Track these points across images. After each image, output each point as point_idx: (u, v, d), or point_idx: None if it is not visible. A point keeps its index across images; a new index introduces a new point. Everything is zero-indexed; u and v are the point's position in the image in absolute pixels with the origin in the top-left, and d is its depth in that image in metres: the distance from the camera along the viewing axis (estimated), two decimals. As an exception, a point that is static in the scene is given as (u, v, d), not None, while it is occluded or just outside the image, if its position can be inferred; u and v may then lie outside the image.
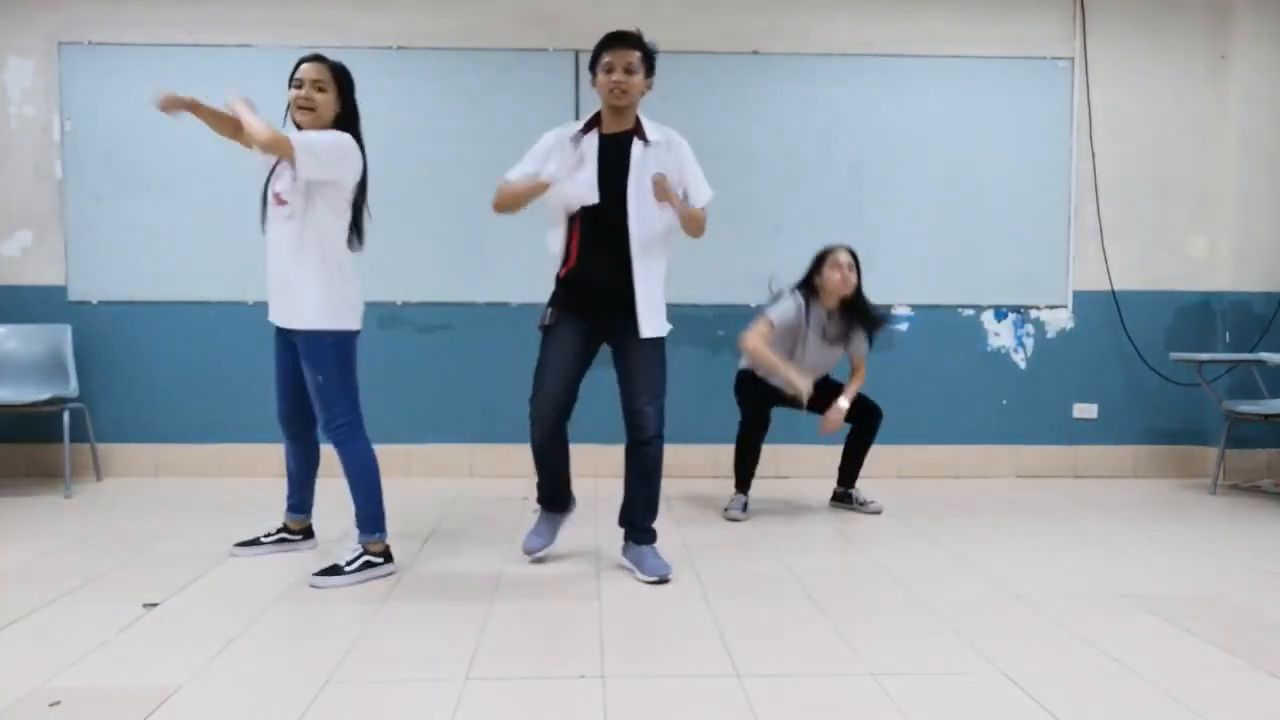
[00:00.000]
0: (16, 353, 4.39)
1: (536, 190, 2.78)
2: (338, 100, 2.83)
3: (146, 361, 4.55)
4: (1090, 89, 4.70)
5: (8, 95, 4.49)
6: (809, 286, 3.77)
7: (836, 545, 3.35)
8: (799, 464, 4.50)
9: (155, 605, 2.58)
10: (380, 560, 2.90)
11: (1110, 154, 4.72)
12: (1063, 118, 4.71)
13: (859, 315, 3.79)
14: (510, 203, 2.84)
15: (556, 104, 4.45)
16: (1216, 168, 4.73)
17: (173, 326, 4.54)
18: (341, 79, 2.85)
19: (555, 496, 3.05)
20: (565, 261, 2.90)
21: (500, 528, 3.53)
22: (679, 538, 3.39)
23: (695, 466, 4.57)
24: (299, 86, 2.78)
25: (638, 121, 2.86)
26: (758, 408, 3.77)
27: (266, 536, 3.16)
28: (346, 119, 2.85)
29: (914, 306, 4.72)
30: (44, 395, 4.11)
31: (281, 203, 2.80)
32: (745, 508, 3.78)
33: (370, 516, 2.88)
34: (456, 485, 4.42)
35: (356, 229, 2.89)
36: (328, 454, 2.99)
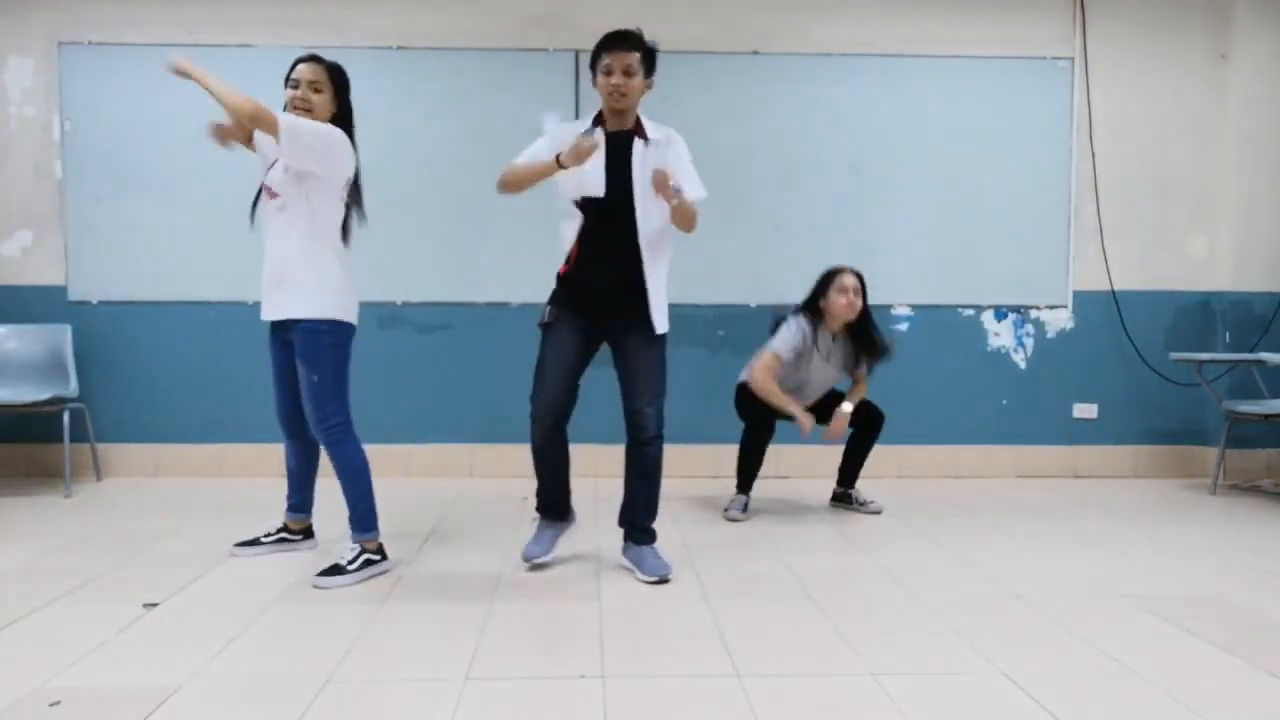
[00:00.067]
0: (16, 353, 4.39)
1: (547, 171, 2.75)
2: (334, 101, 2.84)
3: (146, 361, 4.55)
4: (1090, 89, 4.70)
5: (8, 95, 4.49)
6: (814, 309, 3.75)
7: (836, 545, 3.35)
8: (799, 464, 4.50)
9: (155, 605, 2.57)
10: (378, 558, 2.91)
11: (1110, 154, 4.72)
12: (1063, 118, 4.72)
13: (865, 341, 3.77)
14: (518, 182, 2.81)
15: (556, 104, 4.44)
16: (1216, 168, 4.73)
17: (173, 326, 4.54)
18: (337, 79, 2.86)
19: (555, 502, 3.01)
20: (567, 260, 2.90)
21: (500, 528, 3.53)
22: (679, 538, 3.39)
23: (695, 466, 4.57)
24: (295, 87, 2.79)
25: (638, 121, 2.87)
26: (758, 418, 3.77)
27: (266, 536, 3.17)
28: (342, 120, 2.86)
29: (914, 306, 4.72)
30: (44, 395, 4.11)
31: (273, 195, 2.81)
32: (746, 508, 3.78)
33: (365, 515, 2.89)
34: (456, 485, 4.42)
35: (343, 227, 2.89)
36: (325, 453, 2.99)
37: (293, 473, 3.14)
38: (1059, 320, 4.77)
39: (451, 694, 1.99)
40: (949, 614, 2.55)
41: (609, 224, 2.82)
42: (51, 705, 1.92)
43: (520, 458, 4.40)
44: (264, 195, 2.86)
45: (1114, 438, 4.80)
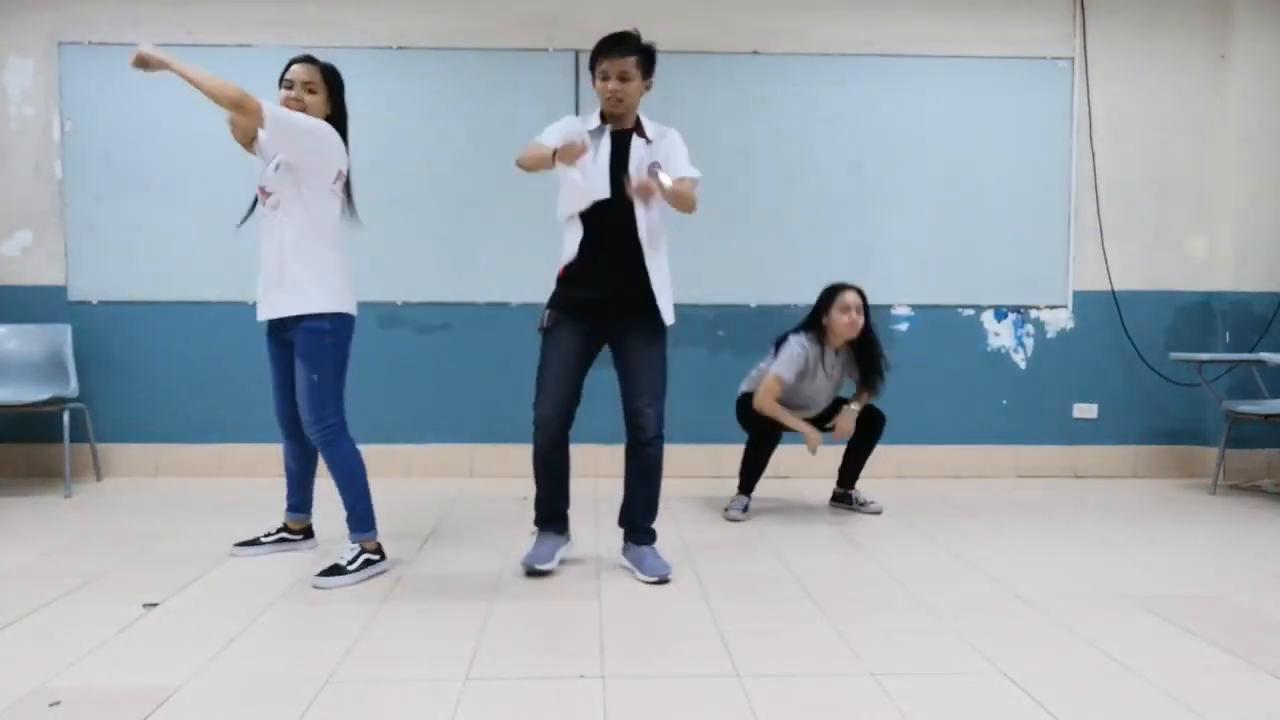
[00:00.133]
0: (16, 353, 4.39)
1: (546, 161, 2.73)
2: (328, 101, 2.85)
3: (146, 361, 4.55)
4: (1090, 89, 4.70)
5: (8, 95, 4.49)
6: (815, 326, 3.74)
7: (837, 545, 3.35)
8: (799, 464, 4.50)
9: (155, 605, 2.57)
10: (378, 558, 2.91)
11: (1110, 154, 4.73)
12: (1063, 118, 4.72)
13: (866, 358, 3.77)
14: (525, 165, 2.80)
15: (556, 104, 4.44)
16: (1216, 168, 4.73)
17: (173, 326, 4.54)
18: (332, 80, 2.86)
19: (554, 514, 2.97)
20: (568, 265, 2.89)
21: (500, 528, 3.53)
22: (679, 538, 3.39)
23: (695, 466, 4.57)
24: (289, 87, 2.80)
25: (638, 121, 2.88)
26: (763, 430, 3.76)
27: (266, 536, 3.17)
28: (336, 120, 2.87)
29: (914, 306, 4.72)
30: (44, 395, 4.11)
31: (266, 194, 2.81)
32: (746, 509, 3.78)
33: (363, 515, 2.89)
34: (456, 485, 4.42)
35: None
36: None
37: (292, 473, 3.14)
38: (1059, 320, 4.77)
39: (451, 694, 1.99)
40: (949, 614, 2.55)
41: (609, 224, 2.82)
42: (51, 705, 1.92)
43: (520, 458, 4.40)
44: (259, 196, 2.86)
45: (1114, 438, 4.80)
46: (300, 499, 3.18)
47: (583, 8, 4.53)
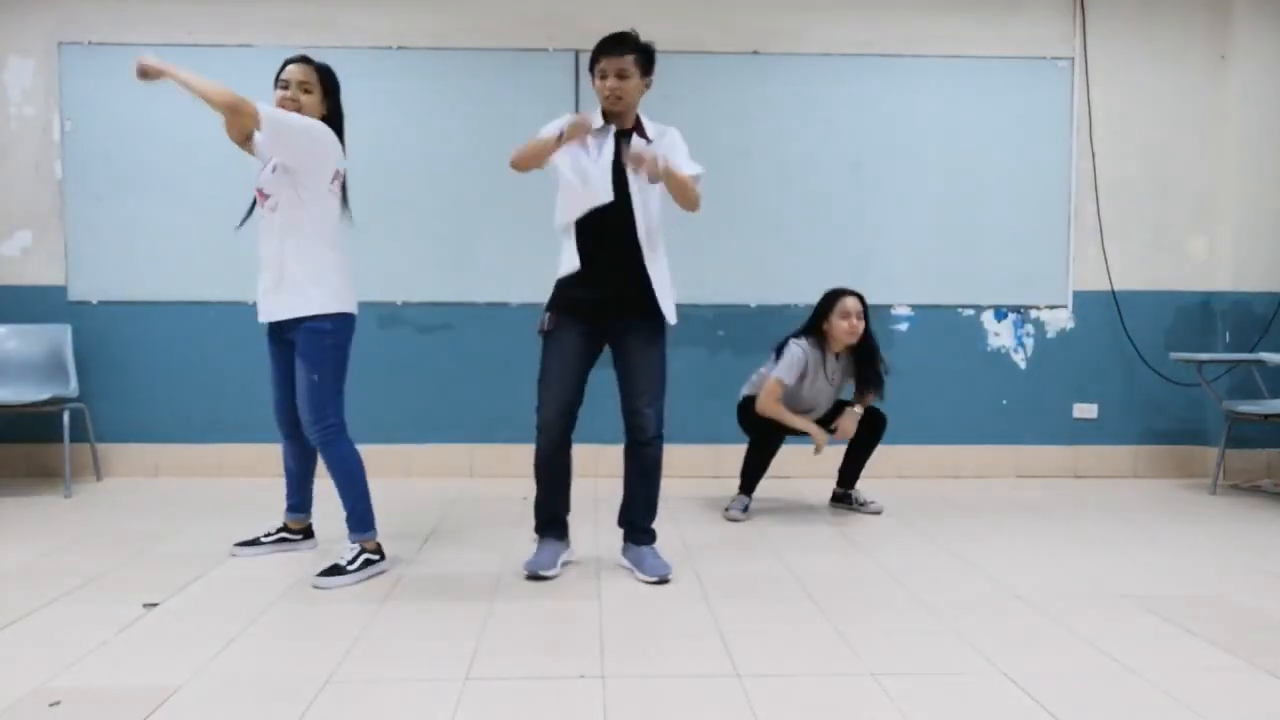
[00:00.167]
0: (16, 353, 4.39)
1: (549, 148, 2.72)
2: (324, 101, 2.85)
3: (146, 361, 4.55)
4: (1090, 89, 4.70)
5: (8, 95, 4.49)
6: (815, 331, 3.74)
7: (837, 545, 3.35)
8: (799, 464, 4.49)
9: (155, 605, 2.57)
10: (377, 558, 2.91)
11: (1110, 154, 4.73)
12: (1063, 118, 4.72)
13: (865, 364, 3.76)
14: (523, 159, 2.76)
15: (556, 104, 4.44)
16: (1216, 168, 4.73)
17: (173, 326, 4.54)
18: (327, 80, 2.86)
19: (555, 519, 2.96)
20: (568, 271, 2.88)
21: (500, 528, 3.53)
22: (679, 538, 3.39)
23: (695, 466, 4.57)
24: (285, 87, 2.80)
25: (638, 120, 2.87)
26: (765, 434, 3.76)
27: (266, 536, 3.17)
28: (332, 120, 2.87)
29: (914, 306, 4.72)
30: (44, 395, 4.11)
31: (264, 196, 2.81)
32: (746, 509, 3.78)
33: (363, 515, 2.89)
34: (456, 485, 4.42)
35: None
36: None
37: (291, 473, 3.14)
38: (1059, 320, 4.77)
39: (451, 694, 1.99)
40: (949, 614, 2.55)
41: (608, 225, 2.81)
42: (51, 705, 1.92)
43: (520, 458, 4.39)
44: (257, 200, 2.86)
45: (1114, 438, 4.80)
46: (300, 499, 3.17)
47: (583, 8, 4.53)
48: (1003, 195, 4.70)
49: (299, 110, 2.78)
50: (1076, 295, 4.76)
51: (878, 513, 3.86)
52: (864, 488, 3.96)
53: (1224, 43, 4.70)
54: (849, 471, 3.96)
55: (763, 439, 3.77)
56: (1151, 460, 4.82)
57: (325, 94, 2.85)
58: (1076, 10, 4.70)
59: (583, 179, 2.78)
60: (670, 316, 2.90)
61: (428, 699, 1.97)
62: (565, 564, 2.97)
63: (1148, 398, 4.78)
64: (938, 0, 4.65)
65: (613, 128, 2.84)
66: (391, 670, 2.13)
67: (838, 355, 3.77)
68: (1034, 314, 4.76)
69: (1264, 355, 4.17)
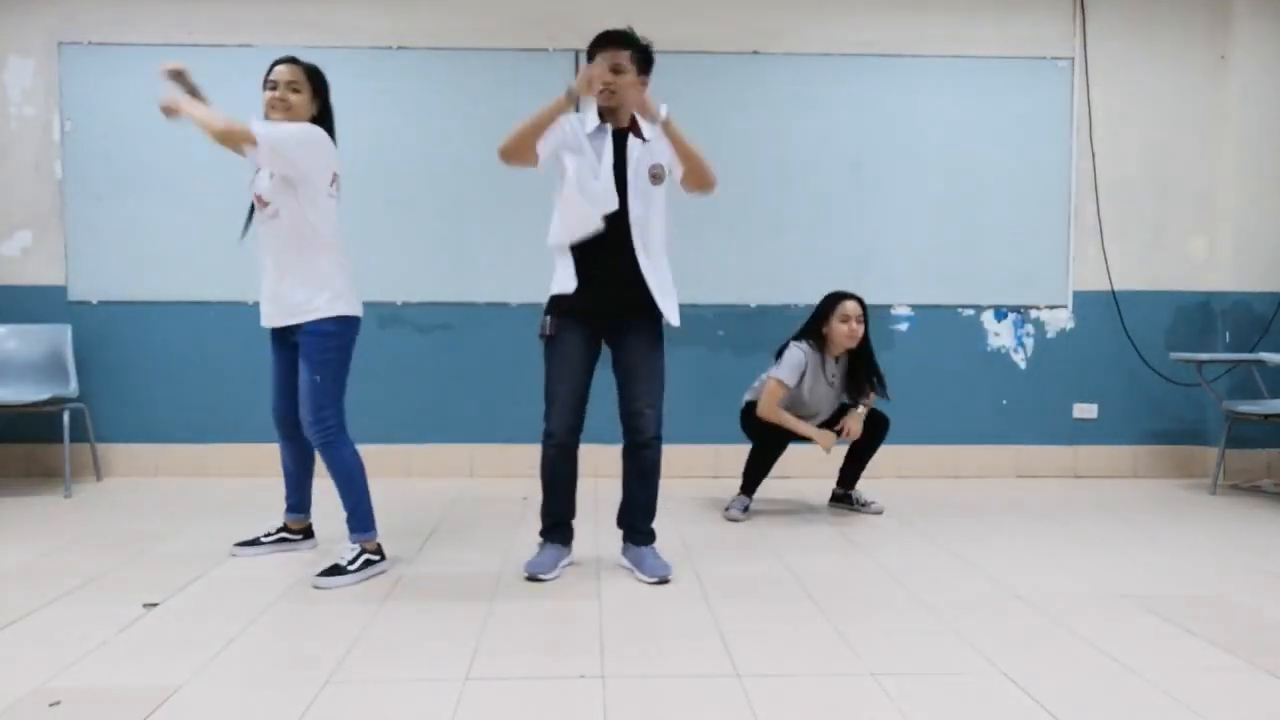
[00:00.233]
0: (16, 353, 4.39)
1: (556, 110, 2.68)
2: (313, 101, 2.83)
3: (146, 361, 4.55)
4: (1090, 89, 4.70)
5: (8, 95, 4.49)
6: (815, 334, 3.73)
7: (837, 545, 3.35)
8: (799, 464, 4.50)
9: (155, 605, 2.57)
10: (378, 558, 2.91)
11: (1110, 154, 4.73)
12: (1063, 118, 4.72)
13: (862, 372, 3.75)
14: (520, 139, 2.70)
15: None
16: (1216, 168, 4.73)
17: (173, 326, 4.54)
18: (316, 80, 2.85)
19: (560, 524, 2.96)
20: (563, 293, 2.85)
21: (500, 528, 3.53)
22: (679, 538, 3.39)
23: (695, 466, 4.57)
24: (273, 87, 2.79)
25: (633, 119, 2.85)
26: (769, 439, 3.76)
27: (266, 536, 3.17)
28: (323, 120, 2.85)
29: (914, 306, 4.72)
30: (44, 395, 4.11)
31: (264, 204, 2.81)
32: (747, 509, 3.78)
33: (363, 516, 2.89)
34: (456, 485, 4.42)
35: None
36: None
37: (289, 473, 3.14)
38: (1059, 320, 4.77)
39: (451, 694, 1.99)
40: (949, 614, 2.55)
41: (605, 237, 2.77)
42: (51, 705, 1.92)
43: (520, 458, 4.41)
44: (256, 205, 2.86)
45: (1114, 438, 4.80)
46: (299, 499, 3.17)
47: (583, 8, 4.52)
48: (1003, 195, 4.71)
49: (288, 110, 2.77)
50: (1076, 295, 4.76)
51: (879, 513, 3.86)
52: (864, 488, 3.96)
53: (1224, 43, 4.70)
54: (850, 472, 3.95)
55: (767, 444, 3.77)
56: (1151, 460, 4.82)
57: (314, 94, 2.84)
58: (1076, 10, 4.70)
59: (585, 192, 2.74)
60: (672, 318, 2.88)
61: (428, 699, 1.97)
62: (565, 566, 2.97)
63: (1148, 398, 4.78)
64: (938, 1, 4.65)
65: (609, 127, 2.82)
66: (391, 670, 2.13)
67: (836, 359, 3.77)
68: (1034, 314, 4.76)
69: (1264, 355, 4.17)
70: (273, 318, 2.89)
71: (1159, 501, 4.21)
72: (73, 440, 4.18)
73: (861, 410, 3.76)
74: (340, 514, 2.90)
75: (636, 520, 2.96)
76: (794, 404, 3.72)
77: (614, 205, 2.76)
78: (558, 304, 2.87)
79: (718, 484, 4.39)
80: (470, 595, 2.69)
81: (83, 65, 4.48)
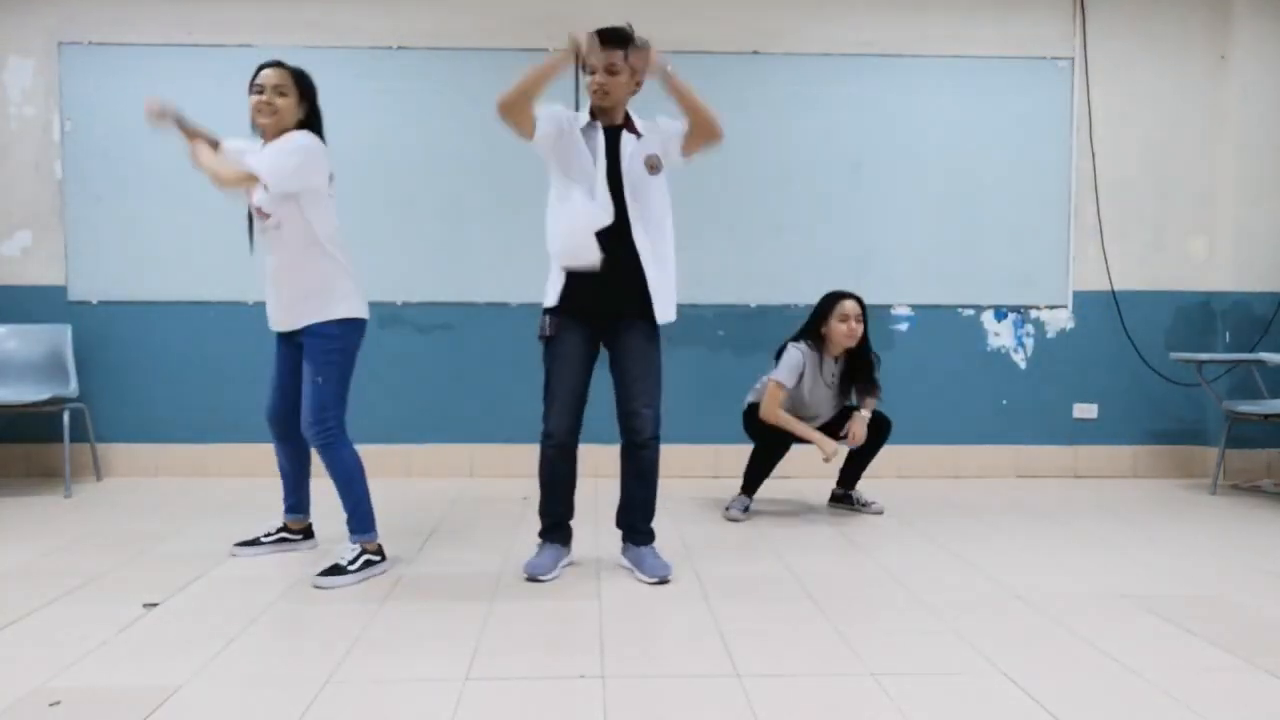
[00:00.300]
0: (16, 353, 4.39)
1: (559, 60, 2.65)
2: (300, 105, 2.81)
3: (146, 361, 4.55)
4: (1090, 89, 4.70)
5: (8, 95, 4.49)
6: (814, 334, 3.73)
7: (837, 545, 3.35)
8: (799, 464, 4.50)
9: (155, 605, 2.57)
10: (378, 558, 2.91)
11: (1110, 154, 4.73)
12: (1063, 118, 4.72)
13: (861, 373, 3.74)
14: (522, 90, 2.68)
15: (556, 103, 4.44)
16: (1216, 168, 4.73)
17: (173, 326, 4.54)
18: (302, 84, 2.82)
19: (559, 524, 2.97)
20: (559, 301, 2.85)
21: (500, 528, 3.53)
22: (679, 538, 3.39)
23: (695, 466, 4.57)
24: (259, 92, 2.76)
25: (627, 116, 2.84)
26: (771, 440, 3.76)
27: (266, 536, 3.17)
28: (310, 124, 2.83)
29: (914, 306, 4.72)
30: (44, 395, 4.11)
31: (264, 215, 2.80)
32: (747, 509, 3.78)
33: (363, 517, 2.89)
34: (456, 485, 4.42)
35: None
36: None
37: (286, 474, 3.14)
38: (1059, 320, 4.77)
39: (451, 694, 1.99)
40: (949, 614, 2.55)
41: (607, 239, 2.76)
42: (51, 705, 1.92)
43: (521, 458, 4.41)
44: (256, 216, 2.85)
45: (1114, 438, 4.80)
46: (297, 499, 3.17)
47: (583, 8, 4.49)
48: (1003, 195, 4.71)
49: (274, 114, 2.75)
50: (1076, 295, 4.76)
51: (879, 513, 3.86)
52: (864, 488, 3.96)
53: (1224, 43, 4.70)
54: (850, 473, 3.95)
55: (769, 445, 3.77)
56: (1151, 460, 4.82)
57: (301, 97, 2.81)
58: (1076, 10, 4.70)
59: (580, 187, 2.74)
60: (669, 314, 2.86)
61: (428, 699, 1.97)
62: (565, 566, 2.97)
63: (1148, 398, 4.78)
64: (938, 0, 4.65)
65: (600, 124, 2.81)
66: (391, 670, 2.13)
67: (836, 359, 3.77)
68: (1034, 314, 4.76)
69: (1264, 355, 4.17)
70: (280, 323, 2.90)
71: (1159, 501, 4.21)
72: (73, 440, 4.18)
73: (865, 414, 3.75)
74: (340, 514, 2.90)
75: (636, 520, 2.96)
76: (794, 405, 3.72)
77: (609, 219, 2.74)
78: (557, 301, 2.85)
79: (718, 484, 4.39)
80: (470, 595, 2.69)
81: (83, 65, 4.48)
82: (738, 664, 2.17)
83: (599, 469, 4.16)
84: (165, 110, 2.87)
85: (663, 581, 2.82)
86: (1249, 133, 4.67)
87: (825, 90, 4.65)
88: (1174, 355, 4.48)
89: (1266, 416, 4.30)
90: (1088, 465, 4.79)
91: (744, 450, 3.85)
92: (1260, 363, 4.24)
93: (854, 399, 3.81)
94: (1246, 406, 4.35)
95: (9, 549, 3.17)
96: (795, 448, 3.80)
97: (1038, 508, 4.03)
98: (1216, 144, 4.73)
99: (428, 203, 4.57)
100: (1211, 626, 2.46)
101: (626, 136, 2.82)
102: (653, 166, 2.82)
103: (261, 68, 2.81)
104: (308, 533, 3.22)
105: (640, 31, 2.82)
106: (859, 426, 3.71)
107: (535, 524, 3.01)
